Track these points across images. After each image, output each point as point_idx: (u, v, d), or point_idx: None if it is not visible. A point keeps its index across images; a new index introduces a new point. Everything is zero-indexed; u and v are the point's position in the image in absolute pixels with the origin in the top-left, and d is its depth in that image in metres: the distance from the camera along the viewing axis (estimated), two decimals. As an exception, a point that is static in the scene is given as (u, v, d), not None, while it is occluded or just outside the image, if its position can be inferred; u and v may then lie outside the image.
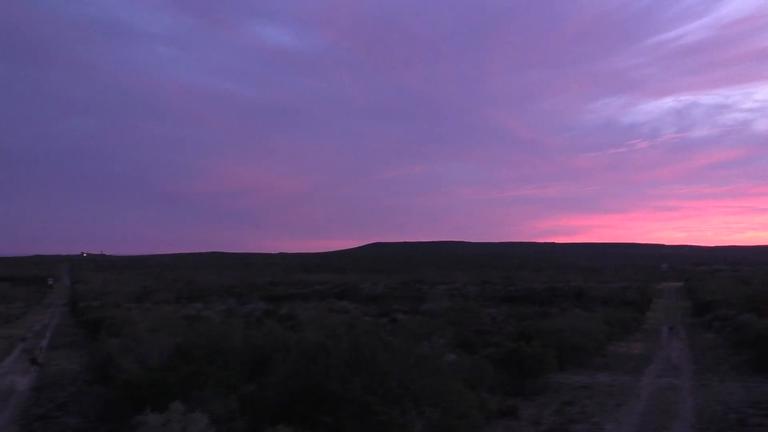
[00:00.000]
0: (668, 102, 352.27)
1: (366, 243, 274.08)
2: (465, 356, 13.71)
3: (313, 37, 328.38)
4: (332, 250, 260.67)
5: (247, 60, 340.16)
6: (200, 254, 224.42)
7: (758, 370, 17.28)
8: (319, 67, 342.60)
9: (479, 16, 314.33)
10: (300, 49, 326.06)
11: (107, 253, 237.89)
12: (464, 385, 9.59)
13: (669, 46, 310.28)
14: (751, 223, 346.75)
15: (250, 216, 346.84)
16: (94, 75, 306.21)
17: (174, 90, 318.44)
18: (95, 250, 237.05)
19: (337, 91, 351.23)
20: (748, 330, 20.75)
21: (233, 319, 25.16)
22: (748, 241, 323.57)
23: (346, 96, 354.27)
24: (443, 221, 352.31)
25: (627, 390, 14.46)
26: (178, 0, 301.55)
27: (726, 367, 18.48)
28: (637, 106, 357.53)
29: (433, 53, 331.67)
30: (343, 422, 8.03)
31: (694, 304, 46.05)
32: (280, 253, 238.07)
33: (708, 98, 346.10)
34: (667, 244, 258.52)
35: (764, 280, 63.39)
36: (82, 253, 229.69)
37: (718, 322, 29.37)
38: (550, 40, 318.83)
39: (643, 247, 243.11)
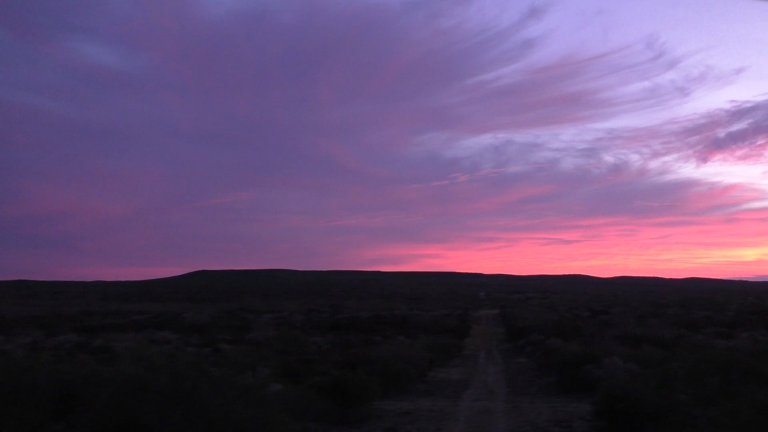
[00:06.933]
0: (487, 139, 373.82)
1: (190, 271, 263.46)
2: (290, 386, 13.52)
3: (138, 58, 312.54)
4: (154, 278, 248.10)
5: (65, 77, 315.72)
6: (2, 283, 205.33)
7: (562, 391, 18.57)
8: (145, 89, 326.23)
9: (309, 46, 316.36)
10: (124, 69, 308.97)
11: None
12: (289, 415, 9.45)
13: (488, 86, 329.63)
14: (558, 254, 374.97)
15: (62, 242, 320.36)
16: None
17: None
18: None
19: (163, 114, 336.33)
20: (554, 354, 22.24)
21: (39, 352, 23.13)
22: (555, 270, 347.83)
23: (173, 119, 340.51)
24: (270, 249, 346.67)
25: (446, 414, 14.93)
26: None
27: (535, 389, 19.70)
28: (458, 141, 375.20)
29: (262, 80, 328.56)
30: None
31: (508, 330, 48.64)
32: (96, 281, 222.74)
33: (521, 137, 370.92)
34: (485, 272, 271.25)
35: (569, 307, 68.78)
36: None
37: (530, 346, 31.09)
38: (379, 74, 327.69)
39: (463, 275, 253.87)
